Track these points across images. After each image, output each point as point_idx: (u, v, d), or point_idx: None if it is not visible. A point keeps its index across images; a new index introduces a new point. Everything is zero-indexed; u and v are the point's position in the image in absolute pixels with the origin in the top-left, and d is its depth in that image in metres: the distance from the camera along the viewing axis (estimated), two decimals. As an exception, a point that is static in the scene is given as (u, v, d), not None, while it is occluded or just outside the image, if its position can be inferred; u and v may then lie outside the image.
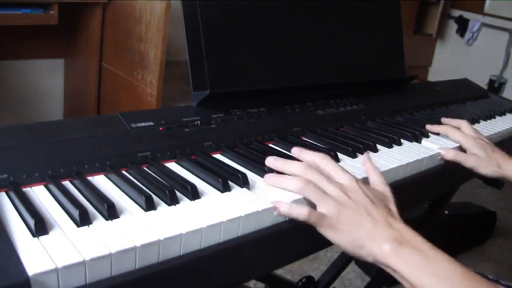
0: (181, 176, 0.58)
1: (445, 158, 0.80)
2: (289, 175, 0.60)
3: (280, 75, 0.86)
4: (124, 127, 0.64)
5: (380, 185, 0.63)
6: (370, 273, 1.77)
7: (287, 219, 0.56)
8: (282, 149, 0.73)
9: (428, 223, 1.37)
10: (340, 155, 0.72)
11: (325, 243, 0.56)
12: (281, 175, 0.60)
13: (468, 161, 0.81)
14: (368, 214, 0.55)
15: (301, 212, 0.54)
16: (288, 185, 0.57)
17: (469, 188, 2.43)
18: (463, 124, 0.89)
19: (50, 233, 0.44)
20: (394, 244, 0.53)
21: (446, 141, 0.86)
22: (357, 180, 0.60)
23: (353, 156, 0.73)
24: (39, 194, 0.52)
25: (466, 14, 4.00)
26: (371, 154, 0.75)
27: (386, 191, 0.62)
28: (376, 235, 0.54)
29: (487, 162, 0.81)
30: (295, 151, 0.66)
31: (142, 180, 0.57)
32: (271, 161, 0.62)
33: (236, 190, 0.58)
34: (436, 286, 0.50)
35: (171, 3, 1.79)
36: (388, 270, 0.53)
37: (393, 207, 0.60)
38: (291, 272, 1.69)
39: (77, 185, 0.54)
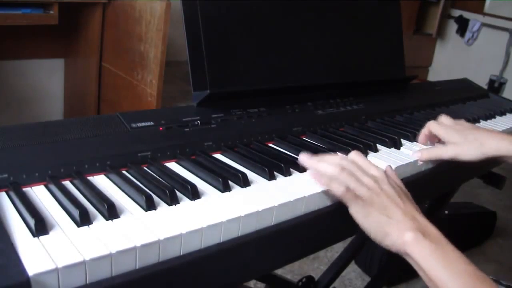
0: (181, 176, 0.58)
1: (422, 160, 0.76)
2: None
3: (280, 75, 0.86)
4: (124, 127, 0.64)
5: (397, 180, 0.66)
6: (370, 273, 1.77)
7: (288, 219, 0.56)
8: (282, 149, 0.73)
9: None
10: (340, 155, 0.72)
11: (325, 243, 0.56)
12: (319, 162, 0.63)
13: (445, 153, 0.76)
14: (397, 206, 0.59)
15: (339, 188, 0.59)
16: (326, 169, 0.61)
17: (469, 188, 2.43)
18: (442, 116, 0.84)
19: (50, 233, 0.44)
20: (416, 234, 0.56)
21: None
22: (386, 175, 0.63)
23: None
24: (39, 194, 0.52)
25: (466, 14, 4.00)
26: (372, 154, 0.75)
27: (403, 187, 0.65)
28: (402, 225, 0.57)
29: (467, 147, 0.75)
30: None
31: (142, 180, 0.57)
32: (305, 159, 0.64)
33: (236, 190, 0.58)
34: (448, 280, 0.53)
35: (171, 3, 1.79)
36: (408, 259, 0.57)
37: (414, 203, 0.63)
38: (291, 272, 1.69)
39: (77, 185, 0.54)
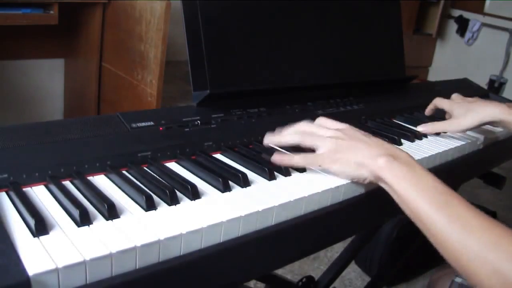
0: (181, 176, 0.58)
1: (426, 133, 0.86)
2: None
3: (280, 75, 0.86)
4: (124, 127, 0.64)
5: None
6: (370, 273, 1.77)
7: (288, 219, 0.56)
8: (282, 149, 0.73)
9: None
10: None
11: (325, 243, 0.56)
12: (281, 134, 0.68)
13: (446, 127, 0.86)
14: (363, 141, 0.63)
15: (297, 160, 0.63)
16: (287, 139, 0.66)
17: (469, 188, 2.43)
18: (454, 95, 0.95)
19: (51, 233, 0.44)
20: (388, 158, 0.59)
21: (445, 141, 0.86)
22: (352, 126, 0.68)
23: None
24: (40, 194, 0.52)
25: (466, 14, 4.00)
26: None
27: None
28: (372, 153, 0.61)
29: (464, 117, 0.85)
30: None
31: (143, 180, 0.57)
32: (269, 137, 0.68)
33: (237, 190, 0.58)
34: (418, 197, 0.56)
35: (171, 3, 1.79)
36: (382, 185, 0.60)
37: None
38: (291, 272, 1.69)
39: (77, 185, 0.54)
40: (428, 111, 0.97)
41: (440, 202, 0.55)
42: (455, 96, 0.94)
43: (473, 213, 0.54)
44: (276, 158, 0.64)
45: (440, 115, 0.95)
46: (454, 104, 0.89)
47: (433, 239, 0.54)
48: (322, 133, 0.66)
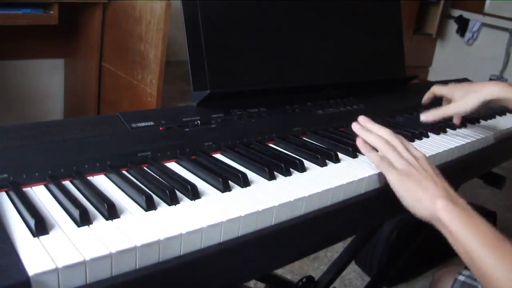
0: (181, 176, 0.58)
1: (429, 121, 0.88)
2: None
3: (280, 75, 0.86)
4: (124, 127, 0.64)
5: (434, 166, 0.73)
6: (370, 273, 1.77)
7: (287, 219, 0.56)
8: (282, 149, 0.73)
9: (428, 223, 1.37)
10: (340, 155, 0.72)
11: (325, 243, 0.56)
12: (369, 131, 0.72)
13: (448, 110, 0.87)
14: (432, 180, 0.66)
15: (376, 158, 0.68)
16: (373, 142, 0.70)
17: (469, 188, 2.43)
18: (449, 84, 0.96)
19: (51, 233, 0.44)
20: (447, 201, 0.62)
21: (445, 141, 0.86)
22: (427, 157, 0.71)
23: (354, 156, 0.73)
24: (39, 194, 0.52)
25: (466, 14, 4.00)
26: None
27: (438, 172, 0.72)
28: (435, 193, 0.63)
29: (465, 99, 0.86)
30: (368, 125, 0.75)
31: (143, 180, 0.57)
32: (362, 120, 0.74)
33: (237, 190, 0.58)
34: (472, 240, 0.59)
35: (171, 3, 1.79)
36: (437, 224, 0.63)
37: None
38: (291, 272, 1.69)
39: (77, 185, 0.54)
40: (425, 99, 0.97)
41: (493, 244, 0.59)
42: (450, 84, 0.95)
43: None
44: (361, 144, 0.71)
45: (437, 105, 0.95)
46: (453, 88, 0.90)
47: (487, 283, 0.57)
48: (402, 151, 0.69)
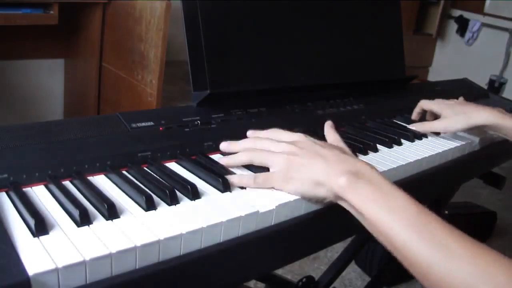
0: (181, 176, 0.58)
1: (420, 132, 0.86)
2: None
3: (280, 75, 0.86)
4: (124, 127, 0.64)
5: (339, 143, 0.65)
6: (370, 273, 1.77)
7: (288, 219, 0.56)
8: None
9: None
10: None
11: (325, 243, 0.56)
12: (232, 155, 0.63)
13: (437, 126, 0.86)
14: (318, 155, 0.56)
15: (248, 181, 0.57)
16: (239, 159, 0.61)
17: (469, 188, 2.43)
18: (436, 99, 0.93)
19: (51, 233, 0.44)
20: (349, 177, 0.53)
21: (445, 141, 0.86)
22: (307, 136, 0.62)
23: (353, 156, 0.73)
24: (40, 194, 0.52)
25: (466, 14, 4.00)
26: (372, 154, 0.75)
27: (344, 147, 0.63)
28: (331, 171, 0.54)
29: (455, 118, 0.84)
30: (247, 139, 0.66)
31: (143, 180, 0.57)
32: (224, 146, 0.65)
33: (237, 190, 0.58)
34: (390, 220, 0.49)
35: (171, 3, 1.79)
36: (344, 205, 0.54)
37: (348, 151, 0.61)
38: (291, 272, 1.69)
39: (77, 185, 0.54)
40: (415, 115, 0.94)
41: (416, 225, 0.48)
42: (438, 100, 0.92)
43: (456, 237, 0.47)
44: (230, 179, 0.57)
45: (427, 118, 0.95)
46: (443, 105, 0.88)
47: (412, 269, 0.48)
48: (273, 148, 0.59)
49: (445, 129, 0.85)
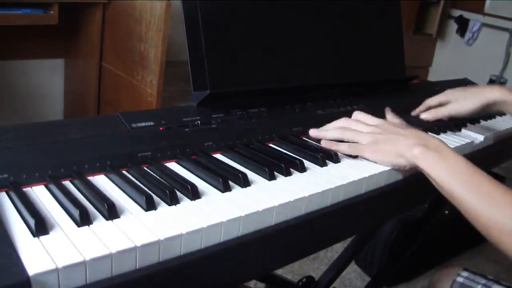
0: (181, 176, 0.58)
1: (428, 119, 0.90)
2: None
3: (280, 75, 0.86)
4: (124, 127, 0.64)
5: (396, 119, 0.80)
6: (370, 273, 1.77)
7: (288, 219, 0.56)
8: (282, 149, 0.73)
9: (428, 223, 1.37)
10: (340, 155, 0.72)
11: (325, 243, 0.56)
12: (324, 129, 0.77)
13: (448, 109, 0.89)
14: (399, 134, 0.70)
15: (343, 147, 0.71)
16: (333, 135, 0.74)
17: (469, 188, 2.42)
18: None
19: (51, 233, 0.44)
20: (421, 148, 0.66)
21: (445, 141, 0.86)
22: (386, 121, 0.76)
23: (354, 156, 0.73)
24: (40, 194, 0.52)
25: (466, 14, 4.00)
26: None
27: (402, 121, 0.78)
28: (408, 144, 0.67)
29: (465, 100, 0.88)
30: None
31: (143, 180, 0.57)
32: (314, 132, 0.77)
33: (237, 190, 0.58)
34: (451, 181, 0.62)
35: (171, 3, 1.79)
36: (421, 170, 0.66)
37: (418, 129, 0.73)
38: (291, 272, 1.69)
39: (77, 185, 0.54)
40: (417, 112, 0.95)
41: (470, 183, 0.61)
42: (443, 91, 0.95)
43: (501, 190, 0.60)
44: (325, 144, 0.73)
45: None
46: (449, 93, 0.91)
47: (467, 215, 0.61)
48: (361, 128, 0.73)
49: (457, 112, 0.88)
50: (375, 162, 0.70)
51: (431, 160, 0.65)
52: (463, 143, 0.86)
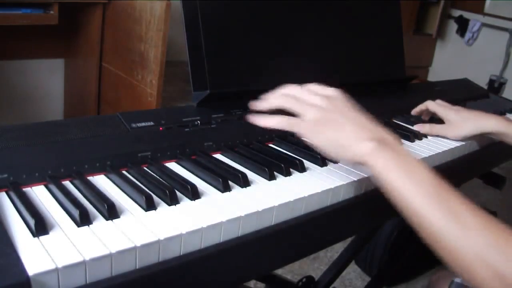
0: (181, 176, 0.58)
1: (422, 132, 0.86)
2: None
3: (280, 75, 0.86)
4: (124, 127, 0.64)
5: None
6: (370, 273, 1.77)
7: (287, 219, 0.56)
8: (282, 149, 0.73)
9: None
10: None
11: (325, 243, 0.56)
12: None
13: (444, 133, 0.86)
14: (349, 118, 0.58)
15: (279, 121, 0.59)
16: (271, 102, 0.62)
17: (469, 188, 2.43)
18: (438, 100, 0.93)
19: (50, 233, 0.44)
20: (376, 144, 0.55)
21: (445, 141, 0.86)
22: (343, 94, 0.62)
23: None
24: (39, 194, 0.52)
25: (466, 14, 4.00)
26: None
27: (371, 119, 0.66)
28: (359, 135, 0.56)
29: (461, 124, 0.85)
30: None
31: (142, 180, 0.57)
32: (255, 105, 0.64)
33: (237, 190, 0.58)
34: (409, 188, 0.51)
35: (171, 3, 1.79)
36: (369, 168, 0.56)
37: (375, 121, 0.62)
38: (291, 272, 1.69)
39: (77, 185, 0.54)
40: (417, 111, 0.95)
41: (436, 197, 0.50)
42: (439, 101, 0.92)
43: (471, 211, 0.49)
44: (254, 118, 0.60)
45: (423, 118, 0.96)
46: (448, 110, 0.88)
47: (427, 236, 0.50)
48: (308, 98, 0.60)
49: (451, 136, 0.86)
50: (312, 145, 0.59)
51: (386, 159, 0.54)
52: (463, 143, 0.86)
